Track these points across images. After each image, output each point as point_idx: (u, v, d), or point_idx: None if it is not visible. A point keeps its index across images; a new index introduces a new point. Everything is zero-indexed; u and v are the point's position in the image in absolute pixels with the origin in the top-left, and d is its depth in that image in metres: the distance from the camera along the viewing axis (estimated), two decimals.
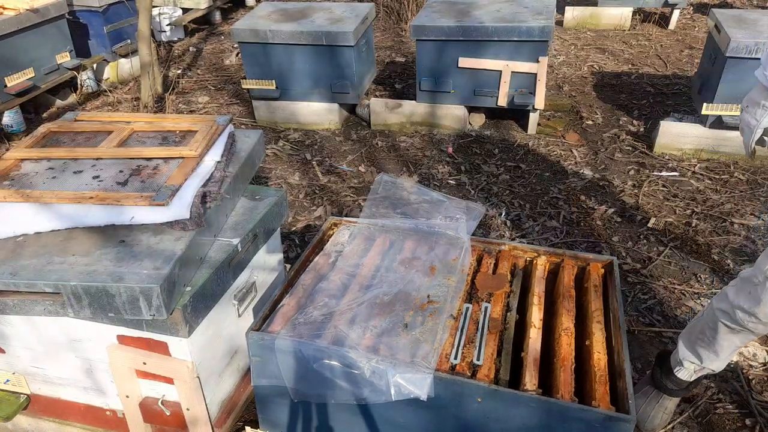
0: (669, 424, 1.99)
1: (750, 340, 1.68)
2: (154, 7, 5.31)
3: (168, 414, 1.70)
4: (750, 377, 2.16)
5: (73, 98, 4.60)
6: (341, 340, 1.47)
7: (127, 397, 1.70)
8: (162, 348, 1.60)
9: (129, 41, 5.03)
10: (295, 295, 1.63)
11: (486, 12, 3.79)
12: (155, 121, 2.03)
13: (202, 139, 1.84)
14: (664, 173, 3.44)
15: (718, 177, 3.38)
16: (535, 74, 3.66)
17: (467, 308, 1.59)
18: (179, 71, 5.15)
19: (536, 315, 1.56)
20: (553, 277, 1.80)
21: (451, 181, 3.46)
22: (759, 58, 3.16)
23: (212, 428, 1.73)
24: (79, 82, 4.62)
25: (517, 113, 4.04)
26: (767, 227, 2.96)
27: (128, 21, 4.96)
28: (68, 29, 4.39)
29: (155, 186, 1.65)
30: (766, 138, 1.57)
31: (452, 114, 3.94)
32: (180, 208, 1.58)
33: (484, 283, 1.67)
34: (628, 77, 4.72)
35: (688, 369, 1.82)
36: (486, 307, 1.59)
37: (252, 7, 6.85)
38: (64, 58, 4.38)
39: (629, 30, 5.75)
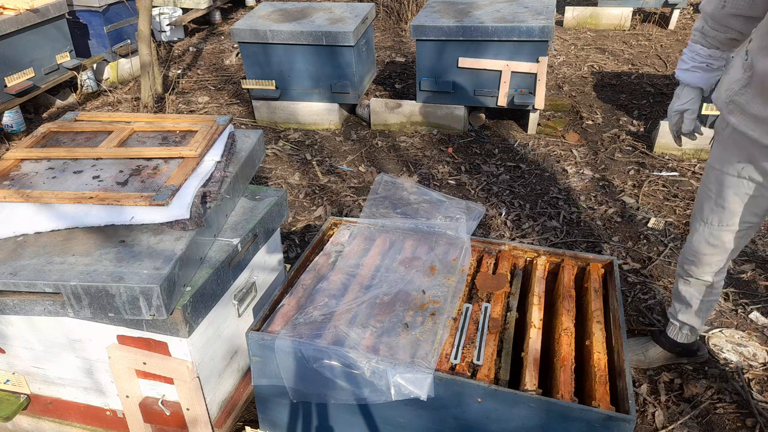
0: (671, 424, 1.99)
1: (702, 288, 1.95)
2: (154, 7, 5.31)
3: (168, 414, 1.70)
4: (750, 377, 2.16)
5: (73, 98, 4.61)
6: (341, 340, 1.47)
7: (127, 397, 1.70)
8: (162, 348, 1.60)
9: (129, 41, 5.03)
10: (295, 295, 1.63)
11: (486, 12, 3.79)
12: (155, 121, 2.03)
13: (202, 139, 1.84)
14: (664, 173, 3.44)
15: None
16: (535, 74, 3.66)
17: (467, 308, 1.58)
18: (179, 71, 5.15)
19: (536, 315, 1.56)
20: (553, 277, 1.80)
21: (451, 181, 3.46)
22: None
23: (212, 428, 1.73)
24: (79, 82, 4.62)
25: (517, 113, 4.04)
26: (767, 227, 2.96)
27: (128, 21, 4.96)
28: (68, 29, 4.39)
29: (155, 186, 1.65)
30: (696, 131, 1.88)
31: (452, 114, 3.94)
32: (180, 208, 1.58)
33: (484, 283, 1.67)
34: (628, 77, 4.72)
35: (674, 325, 2.09)
36: (486, 307, 1.59)
37: (252, 7, 6.85)
38: (64, 58, 4.38)
39: (629, 30, 5.75)
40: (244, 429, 1.75)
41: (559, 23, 5.91)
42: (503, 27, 3.54)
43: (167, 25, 5.75)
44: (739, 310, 2.46)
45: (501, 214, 3.13)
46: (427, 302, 1.59)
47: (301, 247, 2.96)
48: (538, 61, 3.61)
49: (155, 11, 5.63)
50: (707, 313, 2.05)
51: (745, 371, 2.18)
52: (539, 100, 3.73)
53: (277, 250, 2.06)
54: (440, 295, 1.61)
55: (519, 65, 3.65)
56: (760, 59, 1.50)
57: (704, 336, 2.32)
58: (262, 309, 1.59)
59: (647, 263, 2.75)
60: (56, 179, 1.73)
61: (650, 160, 3.57)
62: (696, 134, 1.85)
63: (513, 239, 2.94)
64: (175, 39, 5.91)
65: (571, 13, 5.87)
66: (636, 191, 3.29)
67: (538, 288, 1.66)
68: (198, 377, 1.63)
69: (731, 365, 2.20)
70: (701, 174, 3.41)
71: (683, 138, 1.92)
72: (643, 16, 6.02)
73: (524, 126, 3.97)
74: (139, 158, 1.80)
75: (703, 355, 2.19)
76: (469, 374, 1.39)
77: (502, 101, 3.80)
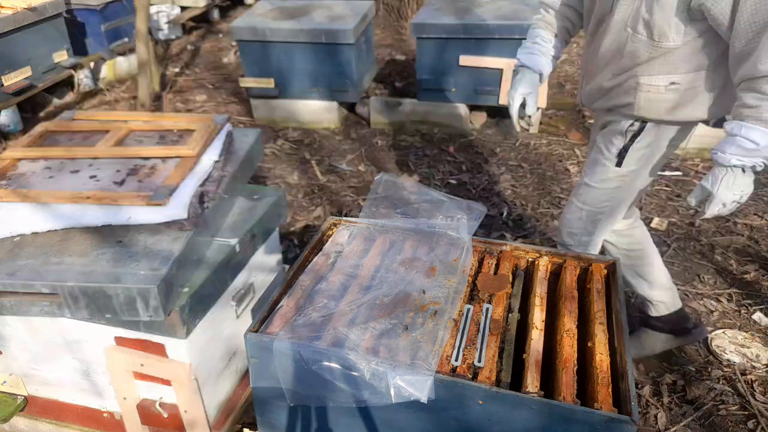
0: (674, 425, 1.98)
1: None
2: (151, 5, 5.29)
3: (166, 416, 1.68)
4: (752, 379, 2.14)
5: (70, 97, 4.59)
6: (340, 341, 1.45)
7: (125, 399, 1.69)
8: (159, 349, 1.58)
9: (126, 40, 5.01)
10: (293, 296, 1.62)
11: (487, 9, 3.77)
12: (153, 120, 2.02)
13: (200, 138, 1.82)
14: (667, 173, 3.42)
15: None
16: None
17: (468, 309, 1.57)
18: (177, 70, 5.13)
19: (538, 316, 1.55)
20: (555, 278, 1.79)
21: (452, 181, 3.44)
22: None
23: (210, 430, 1.72)
24: (76, 81, 4.60)
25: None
26: None
27: (126, 19, 4.94)
28: (65, 28, 4.36)
29: (153, 185, 1.64)
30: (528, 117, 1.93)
31: (453, 113, 3.93)
32: (177, 207, 1.56)
33: (485, 283, 1.65)
34: None
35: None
36: (487, 308, 1.57)
37: (251, 5, 6.83)
38: (62, 57, 4.36)
39: None
40: (243, 431, 1.74)
41: None
42: (505, 25, 3.52)
43: (165, 23, 5.73)
44: (742, 311, 2.45)
45: (502, 214, 3.11)
46: (428, 303, 1.57)
47: (300, 247, 2.94)
48: None
49: (153, 9, 5.60)
50: (635, 274, 2.12)
51: (747, 372, 2.17)
52: (541, 99, 3.71)
53: (276, 251, 2.04)
54: (441, 295, 1.59)
55: None
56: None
57: (707, 337, 2.30)
58: (261, 310, 1.58)
59: None
60: (53, 179, 1.71)
61: None
62: (530, 121, 1.98)
63: (515, 239, 2.93)
64: (173, 37, 5.89)
65: None
66: None
67: (540, 289, 1.64)
68: (196, 379, 1.61)
69: (734, 366, 2.18)
70: (704, 173, 3.40)
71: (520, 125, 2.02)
72: None
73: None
74: (136, 157, 1.79)
75: (700, 332, 2.22)
76: (470, 376, 1.38)
77: (504, 100, 3.78)
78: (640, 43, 1.61)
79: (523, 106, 1.89)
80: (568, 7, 1.86)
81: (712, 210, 1.60)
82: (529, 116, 1.93)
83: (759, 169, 1.52)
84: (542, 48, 1.88)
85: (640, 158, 1.81)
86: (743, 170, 1.52)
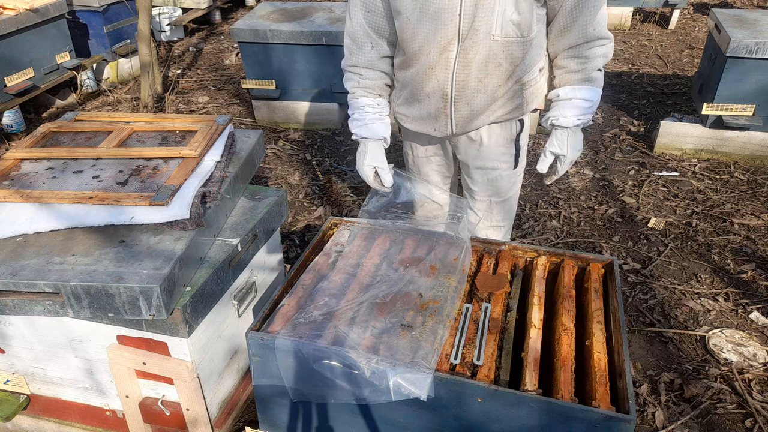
0: (671, 424, 1.99)
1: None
2: (153, 6, 5.31)
3: (168, 414, 1.69)
4: (750, 377, 2.15)
5: (72, 98, 4.60)
6: (341, 340, 1.47)
7: (127, 397, 1.70)
8: (162, 348, 1.60)
9: (129, 41, 5.03)
10: (295, 295, 1.63)
11: None
12: (155, 121, 2.03)
13: (202, 139, 1.84)
14: (664, 173, 3.44)
15: (718, 177, 3.38)
16: None
17: (467, 308, 1.58)
18: (179, 71, 5.15)
19: (536, 315, 1.56)
20: (553, 277, 1.80)
21: None
22: (759, 58, 3.17)
23: (212, 428, 1.73)
24: (78, 82, 4.62)
25: None
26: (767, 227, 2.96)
27: (128, 21, 4.96)
28: (68, 29, 4.38)
29: (155, 186, 1.65)
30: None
31: None
32: (180, 208, 1.57)
33: (484, 282, 1.67)
34: (628, 77, 4.72)
35: None
36: (486, 307, 1.59)
37: (252, 7, 6.85)
38: (64, 58, 4.38)
39: (629, 30, 5.75)
40: (244, 429, 1.75)
41: None
42: None
43: (167, 24, 5.75)
44: (740, 311, 2.46)
45: None
46: (427, 302, 1.59)
47: (301, 247, 2.95)
48: None
49: (155, 11, 5.62)
50: None
51: (745, 371, 2.18)
52: (539, 101, 3.72)
53: (277, 250, 2.05)
54: (440, 295, 1.61)
55: None
56: (398, 73, 1.78)
57: (705, 336, 2.32)
58: (262, 309, 1.59)
59: (647, 263, 2.75)
60: (56, 179, 1.72)
61: (650, 160, 3.57)
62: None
63: (513, 239, 2.94)
64: (175, 39, 5.90)
65: None
66: (636, 191, 3.29)
67: (539, 288, 1.66)
68: (198, 377, 1.63)
69: (731, 365, 2.19)
70: (702, 174, 3.41)
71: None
72: (643, 16, 6.02)
73: None
74: (138, 158, 1.80)
75: None
76: (469, 374, 1.39)
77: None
78: (514, 46, 1.60)
79: (377, 174, 1.84)
80: (381, 60, 1.75)
81: (564, 169, 1.76)
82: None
83: (587, 124, 1.70)
84: (372, 115, 1.78)
85: (524, 150, 1.92)
86: (579, 128, 1.70)
